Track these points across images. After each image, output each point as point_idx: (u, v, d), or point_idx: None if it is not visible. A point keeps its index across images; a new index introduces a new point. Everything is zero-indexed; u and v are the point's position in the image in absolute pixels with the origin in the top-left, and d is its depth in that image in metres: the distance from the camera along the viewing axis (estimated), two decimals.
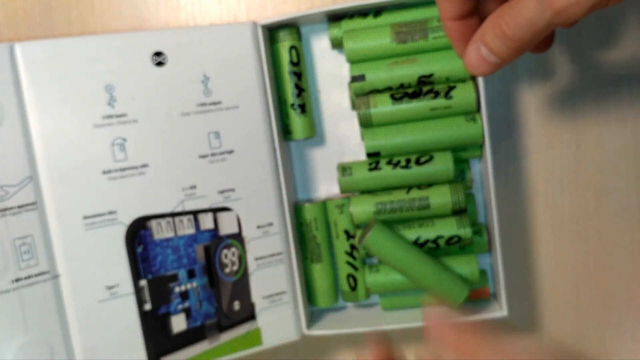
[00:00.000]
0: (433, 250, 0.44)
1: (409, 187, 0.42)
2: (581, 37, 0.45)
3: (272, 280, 0.43)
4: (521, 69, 0.45)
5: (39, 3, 0.45)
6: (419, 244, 0.42)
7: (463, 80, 0.41)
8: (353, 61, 0.42)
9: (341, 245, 0.45)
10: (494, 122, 0.45)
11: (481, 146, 0.43)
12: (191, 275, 0.41)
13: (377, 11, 0.42)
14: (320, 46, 0.45)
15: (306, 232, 0.45)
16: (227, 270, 0.42)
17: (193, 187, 0.41)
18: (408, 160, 0.42)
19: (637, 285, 0.47)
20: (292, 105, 0.44)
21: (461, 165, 0.44)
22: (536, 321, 0.48)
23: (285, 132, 0.44)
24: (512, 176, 0.46)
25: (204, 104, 0.41)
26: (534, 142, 0.46)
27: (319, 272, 0.45)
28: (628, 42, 0.44)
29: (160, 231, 0.40)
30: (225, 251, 0.42)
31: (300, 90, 0.43)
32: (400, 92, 0.42)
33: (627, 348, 0.47)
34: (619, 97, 0.45)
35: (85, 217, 0.38)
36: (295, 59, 0.43)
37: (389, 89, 0.42)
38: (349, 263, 0.45)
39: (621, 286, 0.47)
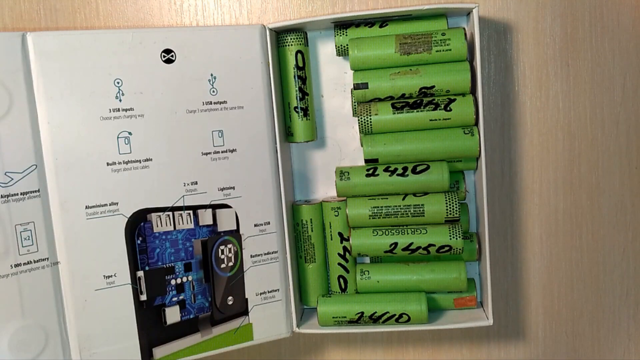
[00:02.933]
0: (424, 256, 0.45)
1: (405, 194, 0.44)
2: (576, 38, 0.46)
3: (266, 277, 0.44)
4: (518, 69, 0.46)
5: (44, 7, 0.46)
6: (410, 250, 0.43)
7: (463, 94, 0.42)
8: (357, 69, 0.43)
9: (334, 247, 0.46)
10: (491, 123, 0.47)
11: (477, 159, 0.44)
12: (187, 268, 0.42)
13: (383, 22, 0.43)
14: (325, 52, 0.46)
15: (302, 232, 0.46)
16: (223, 265, 0.43)
17: (194, 183, 0.42)
18: (405, 168, 0.43)
19: (631, 284, 0.48)
20: (296, 108, 0.44)
21: (456, 176, 0.45)
22: (531, 319, 0.49)
23: (287, 134, 0.45)
24: (507, 178, 0.47)
25: (209, 103, 0.41)
26: (528, 142, 0.47)
27: (312, 272, 0.46)
28: (622, 43, 0.46)
29: (160, 224, 0.41)
30: (222, 247, 0.43)
31: (304, 94, 0.44)
32: (402, 102, 0.43)
33: (621, 346, 0.49)
34: (612, 98, 0.46)
35: (87, 207, 0.39)
36: (300, 63, 0.44)
37: (390, 98, 0.43)
38: (340, 265, 0.46)
39: (615, 284, 0.48)
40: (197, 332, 0.43)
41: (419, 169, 0.43)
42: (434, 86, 0.42)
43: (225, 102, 0.42)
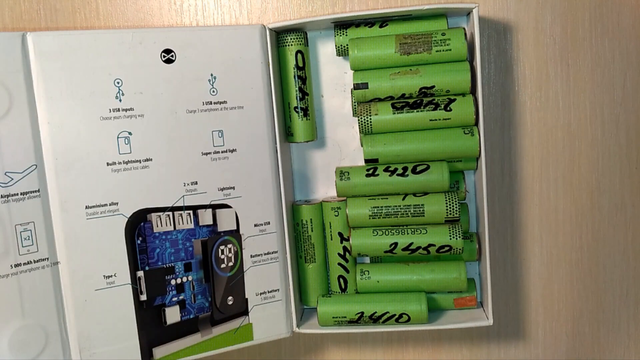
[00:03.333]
0: (424, 256, 0.45)
1: (405, 194, 0.44)
2: (576, 38, 0.46)
3: (266, 277, 0.44)
4: (518, 69, 0.46)
5: (44, 7, 0.46)
6: (410, 250, 0.43)
7: (463, 94, 0.42)
8: (357, 69, 0.43)
9: (334, 247, 0.46)
10: (491, 123, 0.47)
11: (477, 159, 0.44)
12: (187, 268, 0.42)
13: (383, 22, 0.43)
14: (325, 52, 0.46)
15: (302, 232, 0.46)
16: (223, 265, 0.43)
17: (194, 183, 0.42)
18: (405, 168, 0.43)
19: (631, 283, 0.48)
20: (296, 108, 0.44)
21: (456, 176, 0.45)
22: (531, 319, 0.49)
23: (287, 134, 0.45)
24: (507, 178, 0.47)
25: (209, 103, 0.41)
26: (528, 142, 0.47)
27: (312, 272, 0.46)
28: (622, 43, 0.46)
29: (160, 224, 0.41)
30: (222, 247, 0.43)
31: (304, 94, 0.44)
32: (402, 102, 0.43)
33: (621, 346, 0.49)
34: (612, 98, 0.46)
35: (87, 207, 0.39)
36: (300, 63, 0.44)
37: (390, 98, 0.43)
38: (340, 265, 0.46)
39: (615, 284, 0.48)
40: (197, 332, 0.43)
41: (419, 169, 0.43)
42: (434, 86, 0.42)
43: (225, 102, 0.42)
